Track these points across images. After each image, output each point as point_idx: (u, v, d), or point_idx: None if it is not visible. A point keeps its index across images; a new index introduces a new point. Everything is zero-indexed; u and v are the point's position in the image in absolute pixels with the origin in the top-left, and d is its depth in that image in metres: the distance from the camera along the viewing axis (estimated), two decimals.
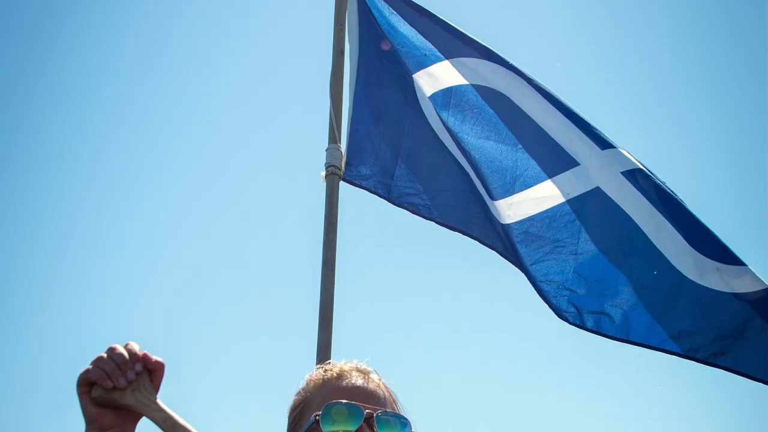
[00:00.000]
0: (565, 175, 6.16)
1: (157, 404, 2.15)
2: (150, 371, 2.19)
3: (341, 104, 6.67)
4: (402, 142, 6.66)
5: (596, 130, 6.19)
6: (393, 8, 6.89)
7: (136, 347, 2.19)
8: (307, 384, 2.77)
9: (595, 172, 6.08)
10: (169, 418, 2.14)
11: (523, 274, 5.92)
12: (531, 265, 5.88)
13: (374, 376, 2.75)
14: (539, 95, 6.42)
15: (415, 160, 6.60)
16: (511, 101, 6.49)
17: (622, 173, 5.99)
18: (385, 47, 6.82)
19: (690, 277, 5.57)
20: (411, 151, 6.63)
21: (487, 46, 6.69)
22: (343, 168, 6.41)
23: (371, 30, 6.88)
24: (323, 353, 5.36)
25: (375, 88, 6.83)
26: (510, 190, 6.19)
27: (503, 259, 6.13)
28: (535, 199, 6.13)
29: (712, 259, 5.55)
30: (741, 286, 5.42)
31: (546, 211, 6.06)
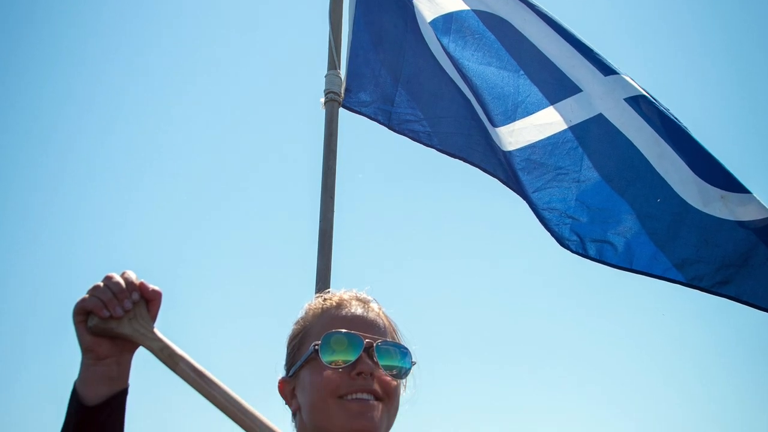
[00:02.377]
0: (568, 102, 6.10)
1: (154, 333, 2.13)
2: (147, 300, 2.16)
3: (341, 30, 6.59)
4: (402, 68, 6.60)
5: (599, 56, 6.12)
6: None
7: (132, 276, 2.16)
8: (306, 313, 2.75)
9: (597, 99, 6.02)
10: (166, 347, 2.11)
11: (525, 202, 5.89)
12: (533, 192, 5.85)
13: (374, 305, 2.74)
14: (541, 21, 6.34)
15: (416, 86, 6.54)
16: (513, 27, 6.41)
17: (625, 100, 5.93)
18: None
19: (694, 204, 5.54)
20: (411, 78, 6.57)
21: None
22: (342, 94, 6.35)
23: None
24: (322, 281, 5.35)
25: (375, 14, 6.74)
26: (511, 116, 6.14)
27: (505, 186, 6.10)
28: (537, 126, 6.07)
29: (717, 186, 5.51)
30: (746, 213, 5.39)
31: (548, 138, 6.02)
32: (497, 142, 6.05)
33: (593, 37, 6.20)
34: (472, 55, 6.34)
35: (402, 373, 2.61)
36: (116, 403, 2.03)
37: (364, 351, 2.53)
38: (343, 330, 2.56)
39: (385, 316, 2.74)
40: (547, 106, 6.15)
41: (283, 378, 2.70)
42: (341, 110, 6.28)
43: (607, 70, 6.06)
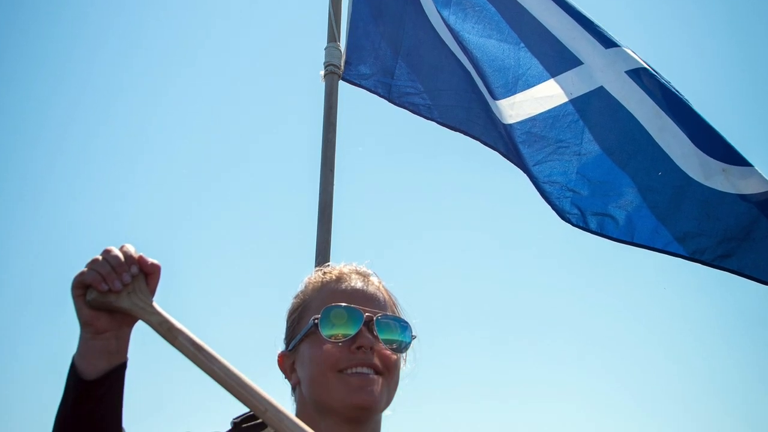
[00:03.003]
0: (568, 75, 6.07)
1: (153, 307, 2.11)
2: (146, 274, 2.15)
3: (340, 2, 6.54)
4: (402, 41, 6.56)
5: (600, 28, 6.08)
6: None
7: (131, 249, 2.15)
8: (305, 287, 2.74)
9: (598, 72, 5.99)
10: (166, 321, 2.10)
11: (525, 176, 5.87)
12: (533, 165, 5.83)
13: (374, 279, 2.73)
14: None
15: (416, 59, 6.51)
16: None
17: (626, 72, 5.90)
18: None
19: (695, 178, 5.52)
20: (411, 50, 6.54)
21: None
22: (342, 67, 6.32)
23: None
24: (322, 255, 5.34)
25: None
26: (512, 89, 6.11)
27: (505, 160, 6.08)
28: (538, 99, 6.05)
29: (718, 159, 5.49)
30: (747, 187, 5.37)
31: (549, 111, 5.99)
32: (498, 115, 6.03)
33: (594, 9, 6.15)
34: (473, 27, 6.30)
35: (402, 347, 2.61)
36: (115, 377, 2.02)
37: (363, 325, 2.53)
38: (343, 304, 2.56)
39: (385, 289, 2.73)
40: (547, 79, 6.12)
41: (282, 352, 2.70)
42: (341, 83, 6.25)
43: (608, 42, 6.02)
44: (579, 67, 6.06)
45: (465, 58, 6.22)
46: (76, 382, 1.98)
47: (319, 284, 2.69)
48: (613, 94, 5.92)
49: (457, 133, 6.25)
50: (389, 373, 2.54)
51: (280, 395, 2.57)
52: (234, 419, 2.60)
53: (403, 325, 2.63)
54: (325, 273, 2.74)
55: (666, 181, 5.58)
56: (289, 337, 2.68)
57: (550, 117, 5.98)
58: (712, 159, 5.51)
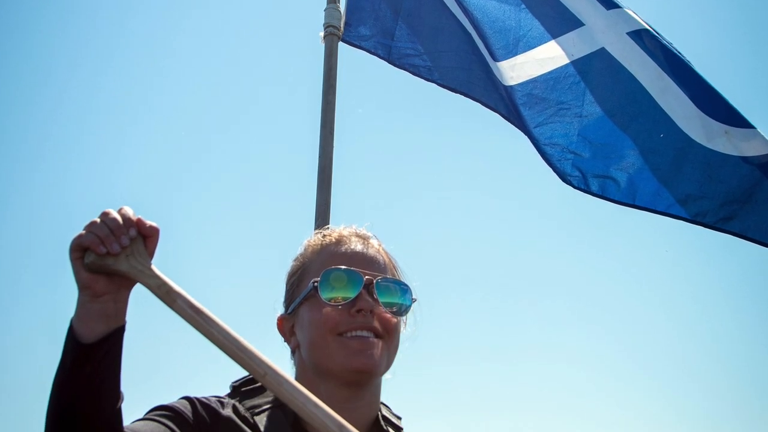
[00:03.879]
0: (570, 36, 6.05)
1: (151, 270, 2.10)
2: (144, 237, 2.13)
3: None
4: (402, 2, 6.52)
5: None
6: None
7: (130, 212, 2.13)
8: (305, 249, 2.73)
9: (600, 33, 5.96)
10: (164, 284, 2.09)
11: (526, 138, 5.86)
12: (534, 127, 5.81)
13: (374, 242, 2.71)
14: None
15: (416, 20, 6.46)
16: None
17: (628, 34, 5.87)
18: None
19: (697, 140, 5.50)
20: (412, 11, 6.49)
21: None
22: (342, 28, 6.27)
23: None
24: (322, 218, 5.33)
25: None
26: (513, 51, 6.09)
27: (506, 121, 6.06)
28: (539, 60, 6.02)
29: (721, 121, 5.48)
30: (750, 149, 5.35)
31: (550, 73, 5.97)
32: (498, 77, 6.00)
33: None
34: None
35: (402, 310, 2.60)
36: (113, 340, 2.01)
37: (363, 288, 2.51)
38: (343, 267, 2.55)
39: (385, 252, 2.72)
40: (548, 41, 6.10)
41: (281, 315, 2.69)
42: (341, 44, 6.21)
43: (609, 3, 6.00)
44: (580, 28, 6.03)
45: (466, 19, 6.19)
46: (74, 345, 1.97)
47: (319, 247, 2.68)
48: (614, 56, 5.90)
49: (458, 95, 6.22)
50: (389, 336, 2.53)
51: (280, 359, 2.57)
52: (233, 383, 2.60)
53: (403, 288, 2.62)
54: (324, 236, 2.72)
55: (668, 143, 5.57)
56: (289, 300, 2.67)
57: (551, 78, 5.96)
58: (714, 121, 5.49)
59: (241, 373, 2.49)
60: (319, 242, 2.69)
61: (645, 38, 5.84)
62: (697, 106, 5.56)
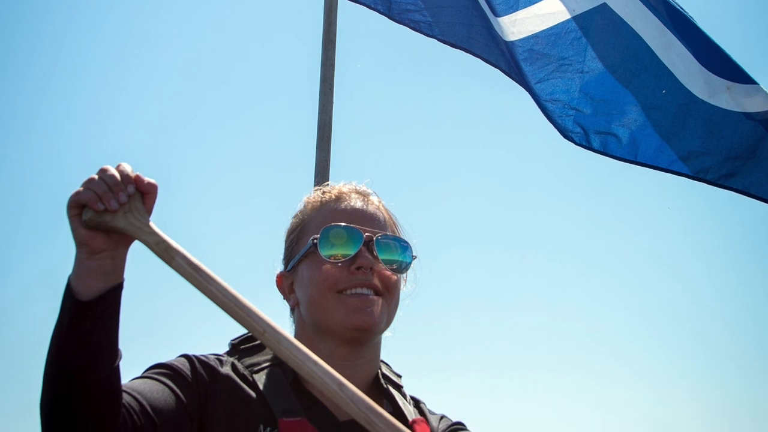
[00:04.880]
0: None
1: (149, 227, 2.08)
2: (143, 193, 2.11)
3: None
4: None
5: None
6: None
7: (128, 168, 2.11)
8: (304, 206, 2.71)
9: None
10: (162, 241, 2.07)
11: (527, 93, 5.83)
12: (536, 83, 5.78)
13: (374, 199, 2.70)
14: None
15: None
16: None
17: None
18: None
19: (700, 96, 5.48)
20: None
21: None
22: None
23: None
24: (321, 174, 5.32)
25: None
26: (514, 6, 6.04)
27: (507, 77, 6.02)
28: (540, 16, 5.97)
29: (723, 77, 5.45)
30: (752, 105, 5.33)
31: (551, 28, 5.93)
32: (499, 33, 5.96)
33: None
34: None
35: (402, 268, 2.59)
36: (111, 297, 2.00)
37: (363, 245, 2.50)
38: (343, 224, 2.53)
39: (385, 209, 2.70)
40: None
41: (281, 272, 2.68)
42: (340, 0, 6.16)
43: None
44: None
45: None
46: (71, 302, 1.96)
47: (318, 204, 2.66)
48: (616, 11, 5.85)
49: (458, 50, 6.18)
50: (389, 293, 2.52)
51: (279, 316, 2.56)
52: (232, 341, 2.59)
53: (404, 245, 2.61)
54: (324, 192, 2.71)
55: (670, 100, 5.54)
56: (288, 257, 2.66)
57: (553, 34, 5.92)
58: (716, 77, 5.47)
59: (239, 330, 2.48)
60: (319, 199, 2.68)
61: None
62: (700, 62, 5.53)
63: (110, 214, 2.03)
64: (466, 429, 2.63)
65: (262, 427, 2.27)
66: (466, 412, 2.75)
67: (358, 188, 2.71)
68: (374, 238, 2.52)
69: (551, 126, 5.72)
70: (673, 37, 5.62)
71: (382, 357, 2.64)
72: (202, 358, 2.41)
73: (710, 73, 5.48)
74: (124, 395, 2.07)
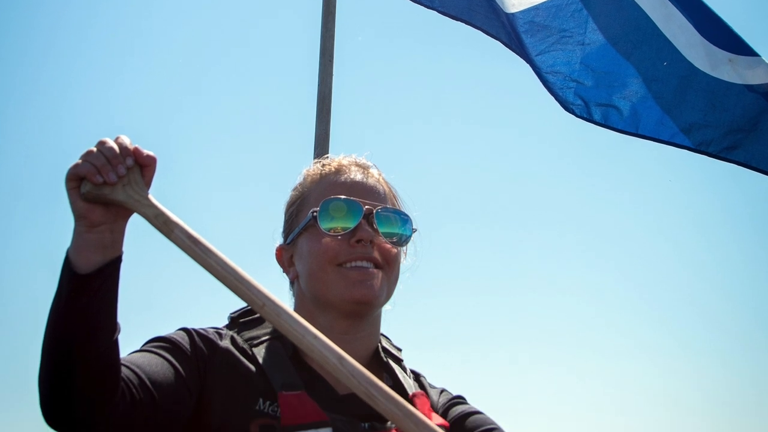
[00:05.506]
0: None
1: (148, 200, 2.07)
2: (141, 166, 2.10)
3: None
4: None
5: None
6: None
7: (127, 141, 2.09)
8: (304, 179, 2.70)
9: None
10: (161, 214, 2.06)
11: (528, 66, 5.80)
12: (536, 56, 5.76)
13: (374, 171, 2.69)
14: None
15: None
16: None
17: None
18: None
19: (701, 68, 5.45)
20: None
21: None
22: None
23: None
24: (321, 146, 5.30)
25: None
26: None
27: (508, 50, 5.99)
28: None
29: (725, 49, 5.42)
30: (754, 77, 5.31)
31: (552, 0, 5.89)
32: (500, 4, 5.93)
33: None
34: None
35: (402, 241, 2.58)
36: (110, 270, 1.99)
37: (363, 218, 2.50)
38: (342, 196, 2.52)
39: (385, 182, 2.69)
40: None
41: (280, 245, 2.67)
42: None
43: None
44: None
45: None
46: (70, 275, 1.95)
47: (318, 176, 2.65)
48: None
49: (459, 22, 6.14)
50: (389, 266, 2.52)
51: (279, 290, 2.56)
52: (231, 314, 2.59)
53: (404, 218, 2.60)
54: (324, 165, 2.69)
55: (671, 72, 5.52)
56: (288, 230, 2.65)
57: (554, 6, 5.89)
58: (718, 49, 5.44)
59: (239, 304, 2.48)
60: (318, 172, 2.67)
61: None
62: (701, 34, 5.50)
63: (109, 187, 2.02)
64: (466, 402, 2.63)
65: (261, 400, 2.27)
66: (466, 385, 2.75)
67: (357, 161, 2.69)
68: (374, 211, 2.51)
69: (552, 98, 5.70)
70: (674, 8, 5.59)
71: (382, 330, 2.64)
72: (201, 331, 2.40)
73: (712, 45, 5.46)
74: (123, 369, 2.06)
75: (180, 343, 2.31)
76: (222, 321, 2.58)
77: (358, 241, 2.46)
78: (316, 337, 1.95)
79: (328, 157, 2.76)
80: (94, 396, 1.97)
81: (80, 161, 2.03)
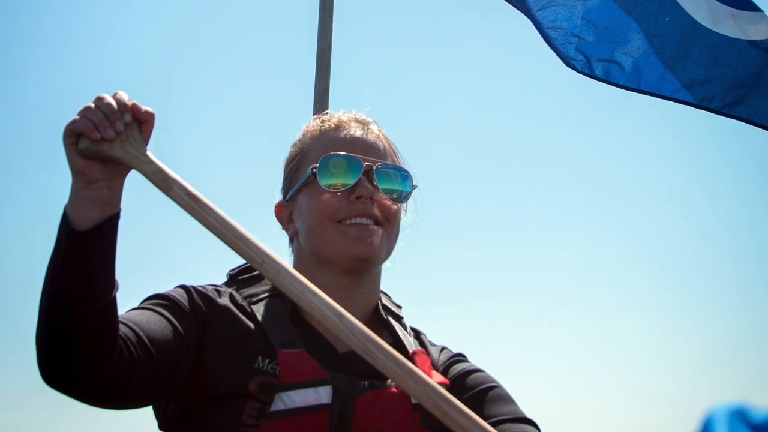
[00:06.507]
0: None
1: (146, 156, 2.05)
2: (139, 122, 2.08)
3: None
4: None
5: None
6: None
7: (125, 97, 2.07)
8: (303, 135, 2.69)
9: None
10: (160, 170, 2.05)
11: (529, 21, 5.75)
12: (537, 11, 5.71)
13: (374, 127, 2.67)
14: None
15: None
16: None
17: None
18: None
19: (703, 23, 5.41)
20: None
21: None
22: None
23: None
24: (321, 103, 5.27)
25: None
26: None
27: (509, 4, 5.94)
28: None
29: (727, 4, 5.38)
30: (757, 32, 5.27)
31: None
32: None
33: None
34: None
35: (402, 197, 2.57)
36: (108, 227, 1.98)
37: (363, 174, 2.48)
38: (342, 153, 2.51)
39: (385, 138, 2.68)
40: None
41: (280, 202, 2.66)
42: None
43: None
44: None
45: None
46: (68, 232, 1.94)
47: (318, 133, 2.64)
48: None
49: None
50: (389, 223, 2.51)
51: (278, 246, 2.55)
52: (230, 271, 2.59)
53: (404, 175, 2.59)
54: (323, 121, 2.68)
55: (673, 27, 5.48)
56: (287, 186, 2.64)
57: None
58: (720, 4, 5.40)
59: (238, 261, 2.48)
60: (318, 128, 2.65)
61: None
62: None
63: (107, 143, 2.00)
64: (466, 360, 2.63)
65: (260, 358, 2.27)
66: (466, 343, 2.75)
67: (357, 117, 2.68)
68: (374, 168, 2.50)
69: (554, 54, 5.66)
70: None
71: (382, 287, 2.64)
72: (200, 288, 2.40)
73: (714, 1, 5.41)
74: (121, 326, 2.06)
75: (178, 300, 2.31)
76: (221, 278, 2.58)
77: (358, 198, 2.45)
78: (315, 294, 1.94)
79: (327, 113, 2.75)
80: (91, 354, 1.97)
81: (78, 117, 2.01)
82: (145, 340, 2.11)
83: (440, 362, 2.59)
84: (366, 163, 2.50)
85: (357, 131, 2.61)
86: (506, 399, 2.49)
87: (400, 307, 2.71)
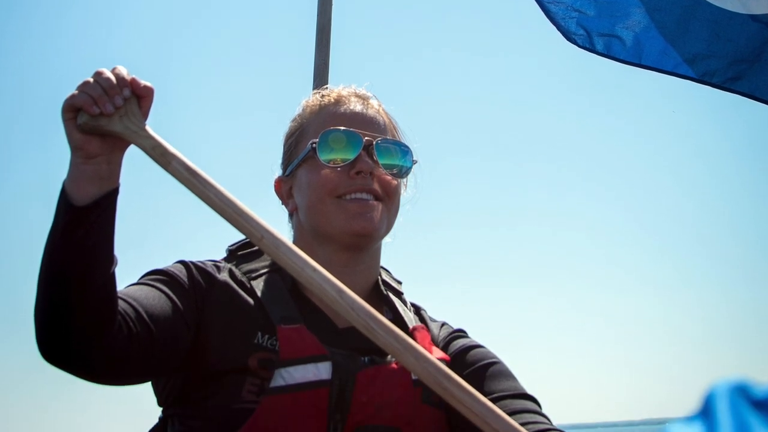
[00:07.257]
0: None
1: (145, 131, 2.05)
2: (139, 97, 2.07)
3: None
4: None
5: None
6: None
7: (124, 71, 2.06)
8: (303, 110, 2.68)
9: None
10: (159, 146, 2.04)
11: None
12: None
13: (374, 102, 2.66)
14: None
15: None
16: None
17: None
18: None
19: None
20: None
21: None
22: None
23: None
24: (320, 77, 5.25)
25: None
26: None
27: None
28: None
29: None
30: (759, 7, 5.25)
31: None
32: None
33: None
34: None
35: (403, 172, 2.57)
36: (106, 203, 1.97)
37: (363, 149, 2.48)
38: (342, 127, 2.50)
39: (385, 113, 2.67)
40: None
41: (279, 177, 2.66)
42: None
43: None
44: None
45: None
46: (66, 208, 1.94)
47: (317, 107, 2.63)
48: None
49: None
50: (389, 199, 2.51)
51: (277, 222, 2.55)
52: (229, 247, 2.59)
53: (404, 150, 2.58)
54: (323, 96, 2.67)
55: (674, 1, 5.45)
56: (286, 161, 2.63)
57: None
58: None
59: (237, 236, 2.47)
60: (318, 103, 2.64)
61: None
62: None
63: (106, 118, 2.00)
64: (466, 336, 2.63)
65: (260, 334, 2.27)
66: (466, 318, 2.75)
67: (357, 91, 2.67)
68: (374, 142, 2.50)
69: (554, 29, 5.63)
70: None
71: (382, 263, 2.63)
72: (199, 264, 2.40)
73: None
74: (120, 302, 2.05)
75: (178, 276, 2.30)
76: (220, 254, 2.58)
77: (358, 173, 2.45)
78: (315, 269, 1.93)
79: (327, 88, 2.74)
80: (90, 330, 1.97)
81: (77, 92, 2.01)
82: (144, 315, 2.11)
83: (440, 338, 2.59)
84: (366, 138, 2.50)
85: (357, 106, 2.60)
86: (507, 375, 2.49)
87: (400, 283, 2.71)
